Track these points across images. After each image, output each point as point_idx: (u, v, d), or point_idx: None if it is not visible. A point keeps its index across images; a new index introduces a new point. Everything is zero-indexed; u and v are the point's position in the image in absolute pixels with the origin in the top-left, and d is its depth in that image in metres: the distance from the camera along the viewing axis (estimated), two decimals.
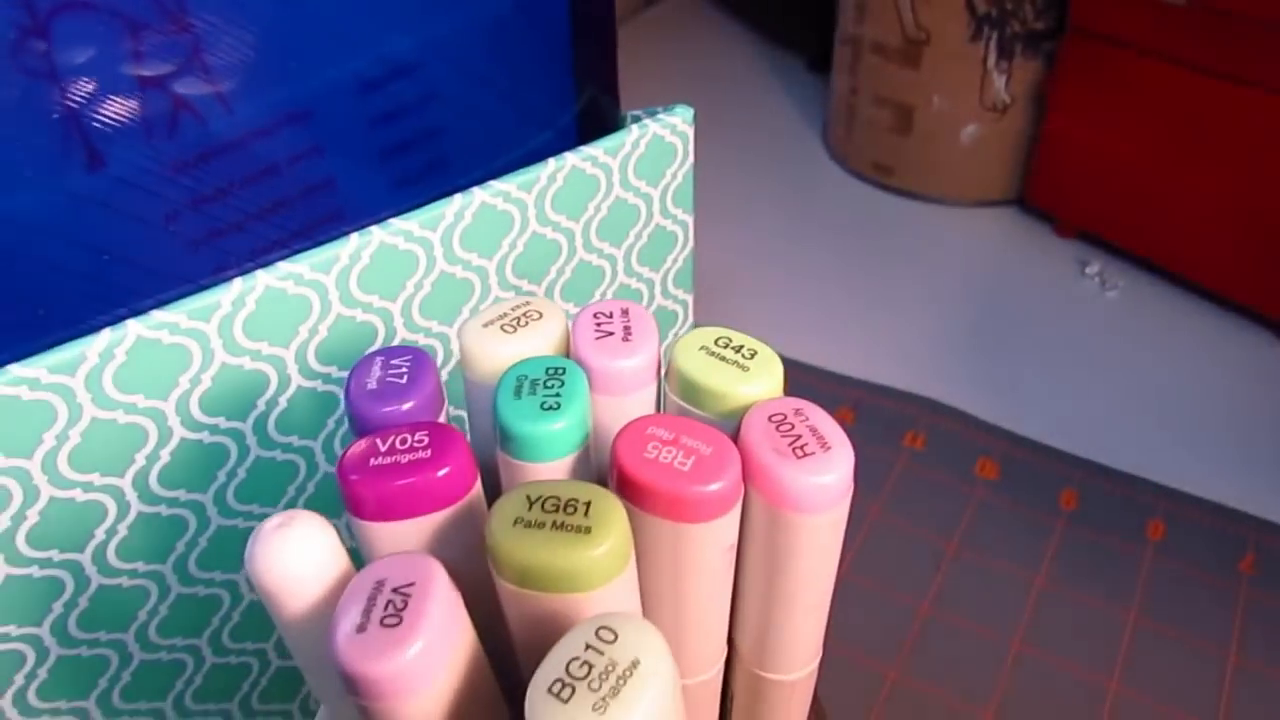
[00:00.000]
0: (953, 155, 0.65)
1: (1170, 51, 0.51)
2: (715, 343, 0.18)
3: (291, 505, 0.26)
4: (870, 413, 0.49)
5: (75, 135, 0.19)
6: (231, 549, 0.26)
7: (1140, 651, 0.38)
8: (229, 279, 0.22)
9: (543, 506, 0.15)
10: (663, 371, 0.18)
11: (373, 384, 0.17)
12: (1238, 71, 0.50)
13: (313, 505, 0.27)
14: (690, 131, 0.29)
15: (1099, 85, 0.56)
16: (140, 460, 0.23)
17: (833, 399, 0.49)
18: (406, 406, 0.17)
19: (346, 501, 0.16)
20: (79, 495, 0.22)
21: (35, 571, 0.22)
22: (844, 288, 0.58)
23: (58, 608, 0.23)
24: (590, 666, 0.13)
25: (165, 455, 0.23)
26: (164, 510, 0.24)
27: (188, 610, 0.26)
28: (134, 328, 0.21)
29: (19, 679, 0.24)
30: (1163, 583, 0.41)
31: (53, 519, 0.22)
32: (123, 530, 0.23)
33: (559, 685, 0.13)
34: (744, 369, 0.17)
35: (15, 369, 0.20)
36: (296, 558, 0.14)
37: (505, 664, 0.17)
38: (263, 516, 0.26)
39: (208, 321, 0.22)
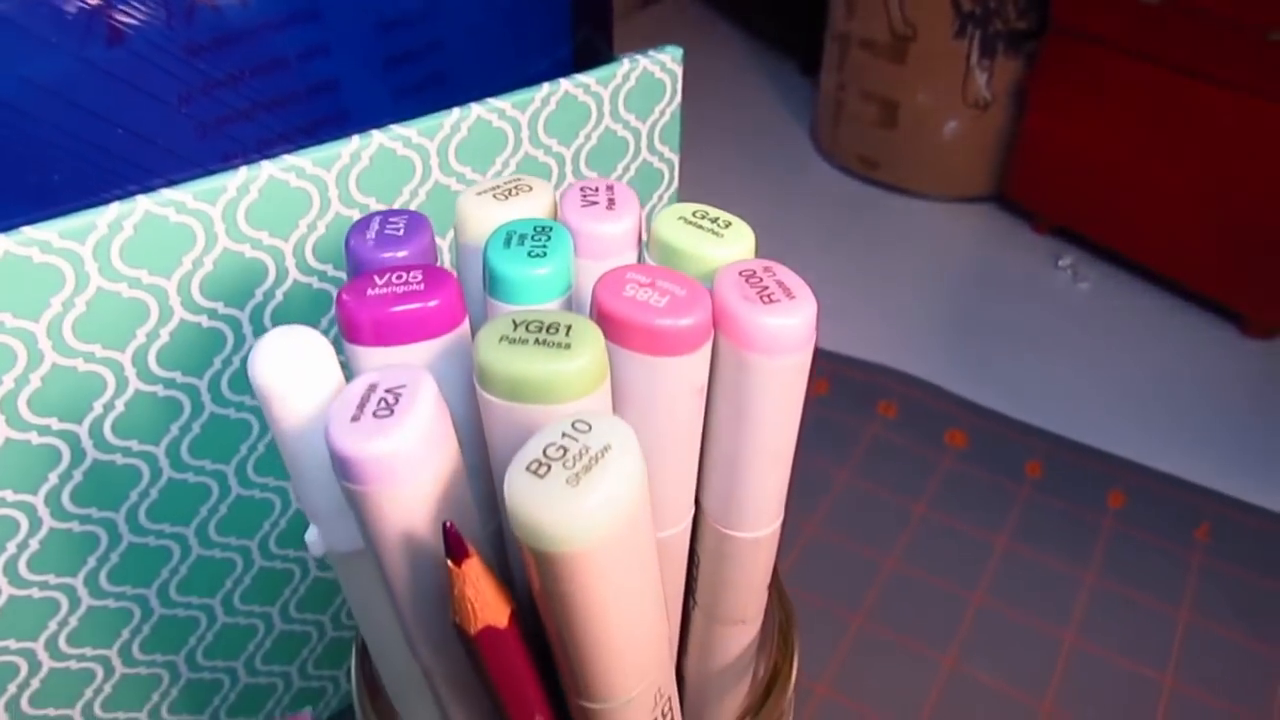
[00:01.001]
0: (935, 150, 0.67)
1: (1146, 50, 0.54)
2: (693, 215, 0.19)
3: None
4: (844, 383, 0.50)
5: (99, 9, 0.20)
6: (223, 440, 0.27)
7: (1097, 608, 0.40)
8: (235, 167, 0.24)
9: (527, 328, 0.16)
10: (643, 241, 0.20)
11: (371, 236, 0.19)
12: (1208, 70, 0.52)
13: None
14: (679, 71, 0.31)
15: (1078, 84, 0.58)
16: (141, 337, 0.24)
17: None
18: (402, 254, 0.18)
19: (343, 328, 0.17)
20: (80, 365, 0.23)
21: (34, 438, 0.23)
22: (825, 275, 0.59)
23: (53, 478, 0.24)
24: (565, 450, 0.14)
25: (165, 334, 0.24)
26: (160, 391, 0.25)
27: (177, 496, 0.27)
28: (143, 203, 0.22)
29: (11, 547, 0.24)
30: (1121, 547, 0.42)
31: (54, 386, 0.23)
32: (120, 406, 0.24)
33: (535, 464, 0.14)
34: (719, 235, 0.19)
35: (28, 231, 0.21)
36: (298, 359, 0.16)
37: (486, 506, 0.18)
38: (255, 409, 0.27)
39: (213, 204, 0.23)
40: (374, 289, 0.17)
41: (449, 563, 0.15)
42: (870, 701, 0.36)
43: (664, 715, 0.19)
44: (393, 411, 0.15)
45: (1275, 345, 0.55)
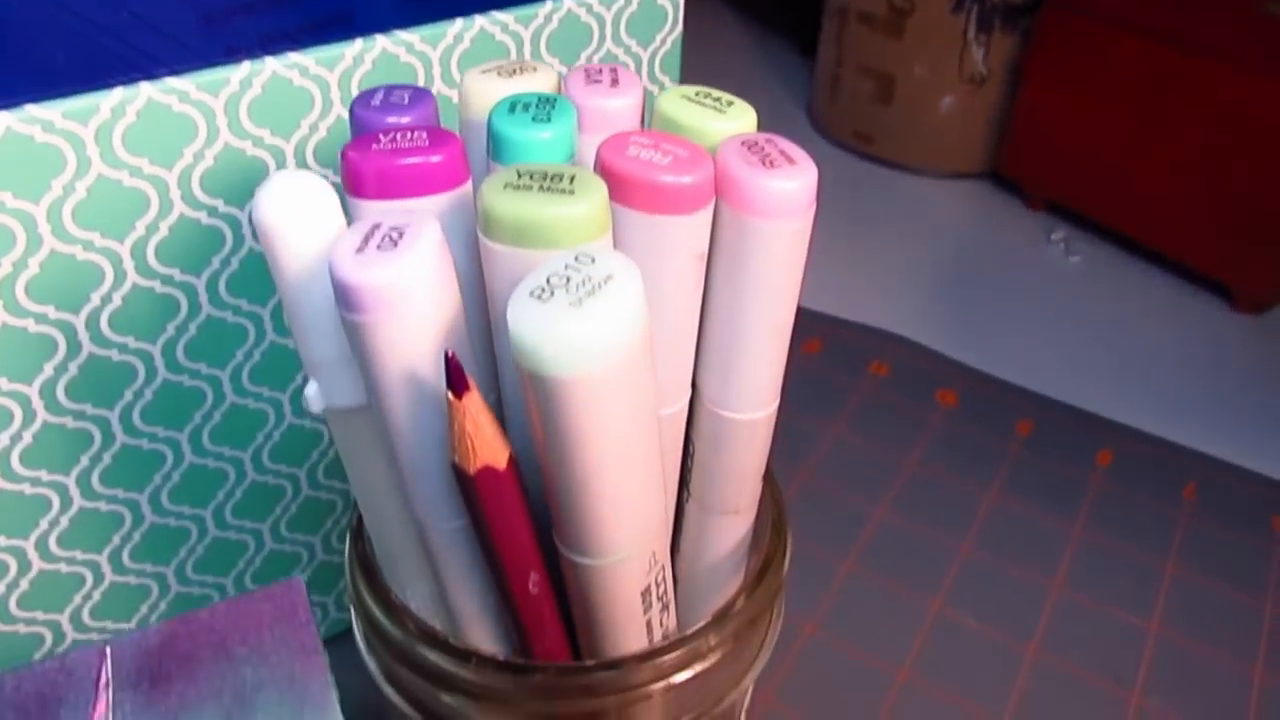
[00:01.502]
0: (931, 125, 0.67)
1: (1142, 24, 0.54)
2: (695, 94, 0.19)
3: (279, 311, 0.27)
4: (837, 343, 0.51)
5: None
6: (219, 343, 0.27)
7: (1084, 559, 0.40)
8: (239, 61, 0.24)
9: (531, 176, 0.16)
10: (645, 122, 0.20)
11: (376, 102, 0.19)
12: (1204, 44, 0.52)
13: None
14: (680, 1, 0.31)
15: (1073, 58, 0.59)
16: (140, 229, 0.24)
17: (803, 331, 0.51)
18: (406, 119, 0.18)
19: (346, 181, 0.17)
20: (79, 253, 0.23)
21: (31, 325, 0.23)
22: (819, 249, 0.59)
23: (49, 369, 0.24)
24: (568, 279, 0.14)
25: (164, 228, 0.24)
26: (158, 287, 0.25)
27: (172, 399, 0.27)
28: (146, 89, 0.22)
29: (4, 439, 0.24)
30: (1109, 503, 0.43)
31: (52, 273, 0.23)
32: (117, 300, 0.24)
33: (539, 291, 0.14)
34: (721, 112, 0.19)
35: (31, 108, 0.21)
36: (303, 199, 0.16)
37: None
38: (252, 314, 0.27)
39: (215, 96, 0.23)
40: (379, 145, 0.17)
41: (449, 395, 0.15)
42: (857, 641, 0.37)
43: (657, 585, 0.19)
44: (397, 245, 0.15)
45: (1264, 320, 0.56)
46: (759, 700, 0.34)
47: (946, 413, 0.47)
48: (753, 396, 0.19)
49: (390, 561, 0.20)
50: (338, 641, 0.34)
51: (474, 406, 0.15)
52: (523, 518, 0.16)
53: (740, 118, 0.19)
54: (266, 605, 0.19)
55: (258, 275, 0.26)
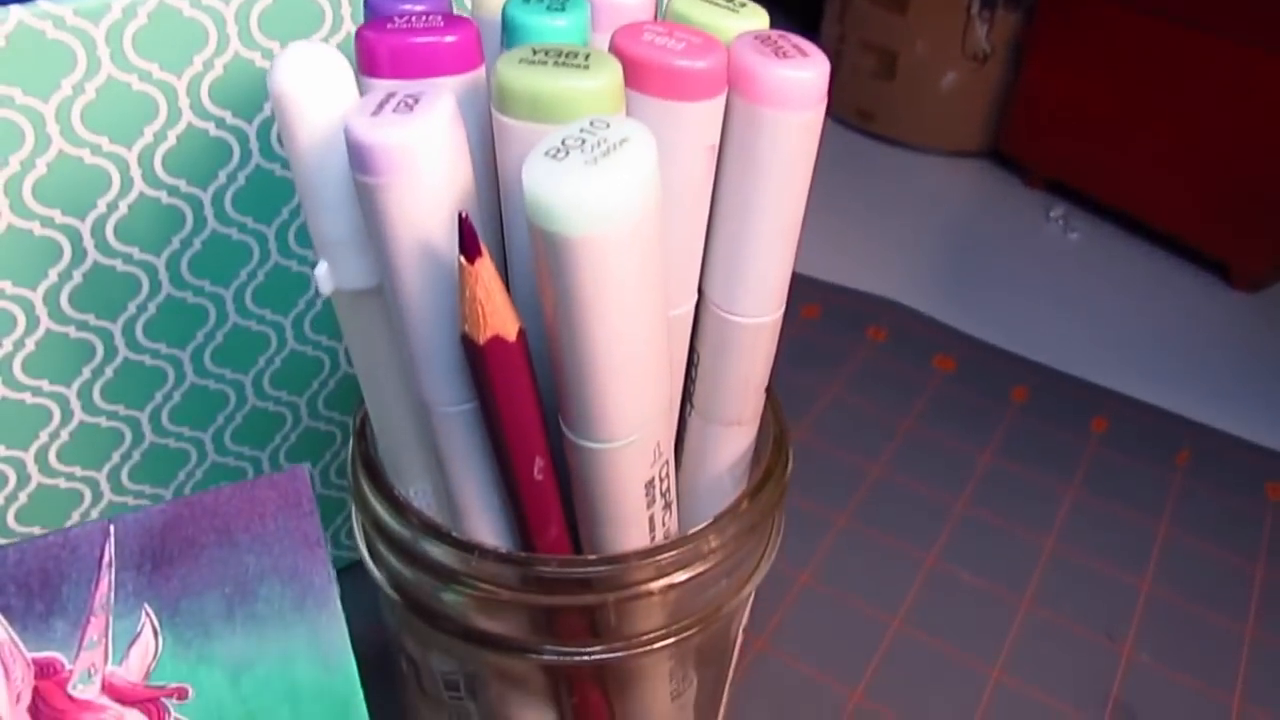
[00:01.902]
0: (932, 103, 0.67)
1: (1143, 1, 0.54)
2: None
3: (284, 231, 0.27)
4: (835, 308, 0.51)
5: None
6: (224, 261, 0.27)
7: (1078, 519, 0.40)
8: None
9: (546, 53, 0.16)
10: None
11: None
12: (1205, 20, 0.52)
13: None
14: None
15: (1075, 36, 0.59)
16: (148, 136, 0.24)
17: (802, 296, 0.51)
18: (420, 6, 0.18)
19: (360, 60, 0.17)
20: (87, 156, 0.23)
21: (36, 228, 0.23)
22: (819, 222, 0.59)
23: (53, 275, 0.24)
24: (584, 141, 0.14)
25: (172, 137, 0.24)
26: (164, 198, 0.25)
27: (175, 315, 0.27)
28: None
29: (7, 344, 0.24)
30: (1103, 467, 0.43)
31: (59, 175, 0.23)
32: (123, 208, 0.24)
33: (554, 150, 0.14)
34: (734, 11, 0.19)
35: (43, 3, 0.21)
36: (318, 69, 0.16)
37: None
38: (257, 233, 0.27)
39: (226, 4, 0.23)
40: (393, 25, 0.17)
41: (461, 260, 0.15)
42: (853, 590, 0.37)
43: (661, 479, 0.19)
44: (412, 109, 0.15)
45: (1260, 297, 0.56)
46: (753, 646, 0.34)
47: (944, 377, 0.47)
48: (759, 299, 0.20)
49: (394, 458, 0.20)
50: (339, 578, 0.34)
51: (486, 273, 0.15)
52: (530, 394, 0.16)
53: (753, 17, 0.19)
54: (271, 493, 0.19)
55: (264, 192, 0.26)
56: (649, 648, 0.20)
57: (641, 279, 0.15)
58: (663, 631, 0.20)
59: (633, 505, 0.18)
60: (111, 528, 0.18)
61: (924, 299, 0.52)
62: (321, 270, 0.17)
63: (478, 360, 0.16)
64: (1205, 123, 0.55)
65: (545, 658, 0.20)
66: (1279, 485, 0.43)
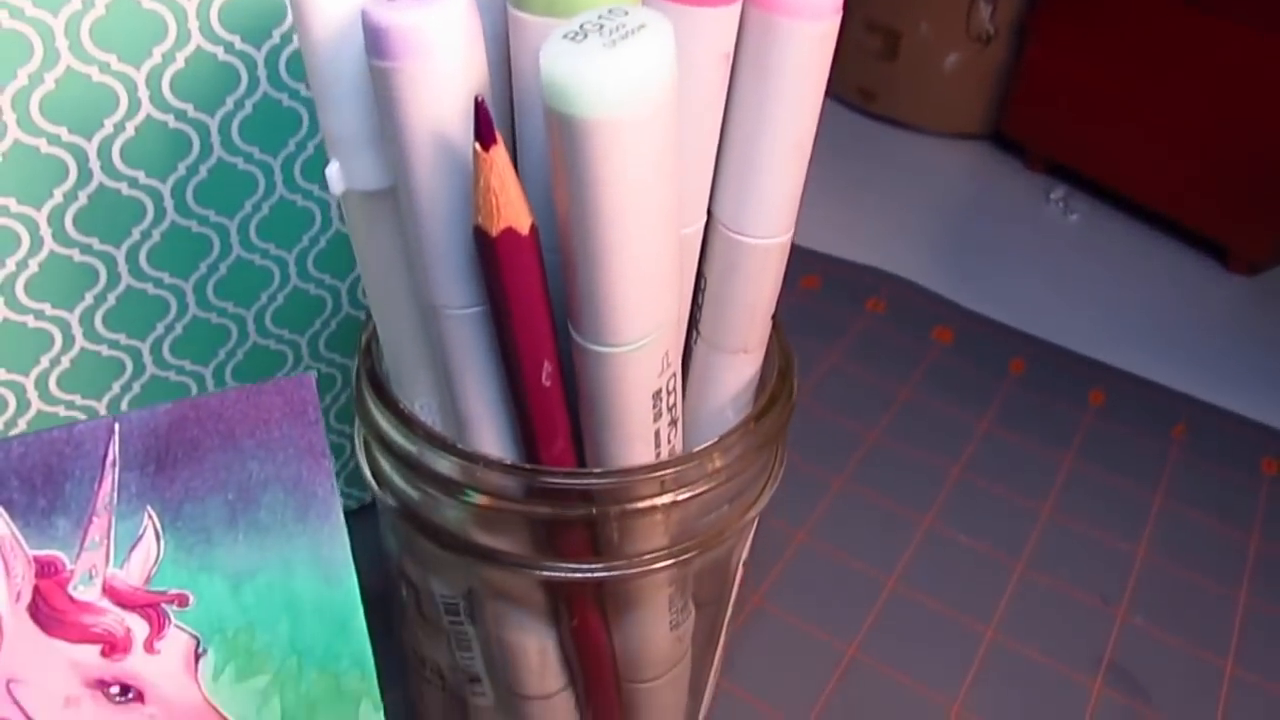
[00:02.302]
0: (935, 84, 0.67)
1: None
2: None
3: (290, 164, 0.27)
4: (835, 279, 0.51)
5: None
6: (229, 190, 0.27)
7: (1074, 488, 0.40)
8: None
9: None
10: None
11: None
12: (1209, 2, 0.52)
13: (316, 162, 0.27)
14: None
15: (1078, 18, 0.59)
16: (157, 56, 0.24)
17: (801, 267, 0.51)
18: None
19: None
20: (95, 74, 0.23)
21: (43, 145, 0.23)
22: (818, 200, 0.59)
23: (58, 195, 0.24)
24: (602, 25, 0.14)
25: (180, 59, 0.24)
26: (171, 122, 0.25)
27: (179, 244, 0.26)
28: None
29: (10, 264, 0.24)
30: (1100, 439, 0.43)
31: (67, 92, 0.23)
32: (130, 129, 0.24)
33: (572, 34, 0.14)
34: None
35: None
36: None
37: None
38: (263, 164, 0.27)
39: None
40: None
41: (476, 147, 0.15)
42: (850, 550, 0.37)
43: (668, 392, 0.19)
44: None
45: (1258, 281, 0.56)
46: (750, 601, 0.34)
47: (942, 349, 0.47)
48: (769, 219, 0.20)
49: (399, 372, 0.20)
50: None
51: (500, 161, 0.15)
52: (540, 292, 0.16)
53: None
54: (276, 399, 0.19)
55: (272, 122, 0.26)
56: (649, 568, 0.20)
57: (658, 170, 0.15)
58: (664, 552, 0.20)
59: (639, 417, 0.18)
60: (116, 425, 0.18)
61: (923, 274, 0.52)
62: (333, 170, 0.17)
63: (489, 254, 0.16)
64: (1206, 106, 0.55)
65: (545, 574, 0.20)
66: (1275, 460, 0.43)
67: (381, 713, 0.22)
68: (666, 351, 0.18)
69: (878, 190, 0.61)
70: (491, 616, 0.22)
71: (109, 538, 0.18)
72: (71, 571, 0.18)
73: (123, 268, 0.26)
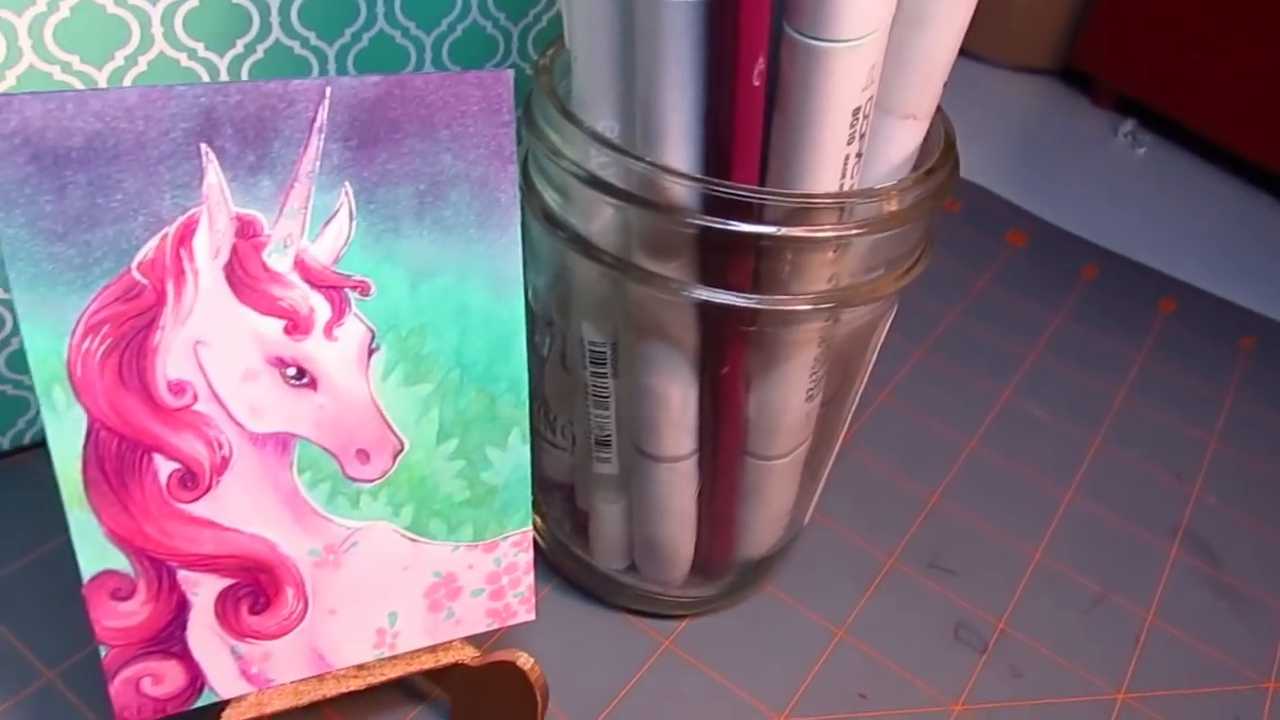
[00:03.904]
0: (1009, 17, 0.67)
1: None
2: None
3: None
4: None
5: None
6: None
7: (1146, 381, 0.41)
8: None
9: None
10: None
11: None
12: None
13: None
14: None
15: None
16: None
17: None
18: None
19: None
20: None
21: None
22: None
23: None
24: None
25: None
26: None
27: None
28: None
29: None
30: (1170, 341, 0.43)
31: None
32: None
33: None
34: None
35: None
36: None
37: None
38: None
39: None
40: None
41: None
42: (930, 414, 0.37)
43: (865, 116, 0.19)
44: None
45: None
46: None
47: (1016, 250, 0.48)
48: None
49: (586, 93, 0.21)
50: None
51: None
52: None
53: None
54: (475, 91, 0.19)
55: None
56: (810, 306, 0.21)
57: None
58: (826, 291, 0.21)
59: (837, 134, 0.19)
60: (328, 89, 0.18)
61: (996, 184, 0.53)
62: None
63: None
64: None
65: (715, 298, 0.20)
66: None
67: (529, 446, 0.22)
68: (873, 64, 0.18)
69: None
70: (639, 362, 0.22)
71: (307, 208, 0.19)
72: (268, 237, 0.18)
73: None
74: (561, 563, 0.29)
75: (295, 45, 0.27)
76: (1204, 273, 0.49)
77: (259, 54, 0.26)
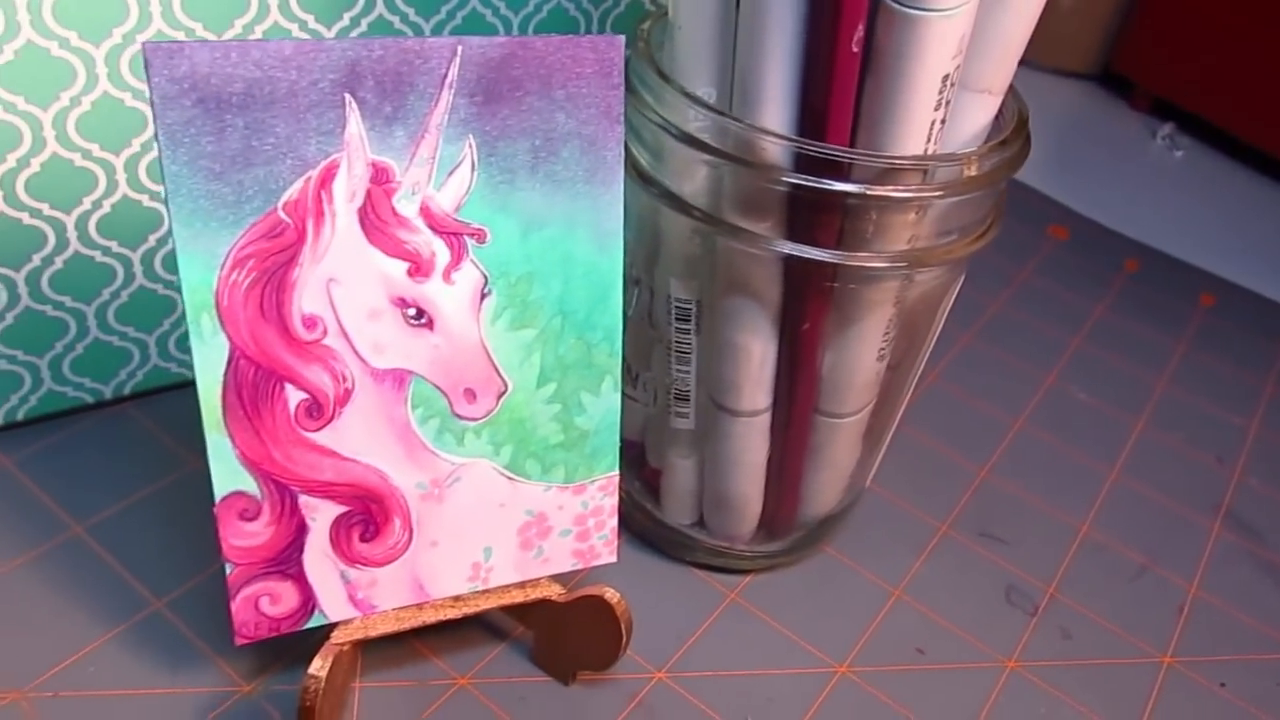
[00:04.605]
0: (1051, 20, 0.68)
1: None
2: None
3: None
4: None
5: None
6: None
7: (1188, 369, 0.42)
8: None
9: None
10: None
11: None
12: None
13: None
14: None
15: None
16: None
17: None
18: None
19: None
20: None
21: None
22: None
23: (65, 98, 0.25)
24: None
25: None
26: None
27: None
28: None
29: (11, 160, 0.26)
30: (1210, 333, 0.44)
31: None
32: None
33: None
34: None
35: None
36: None
37: None
38: None
39: None
40: None
41: None
42: (978, 395, 0.38)
43: (951, 84, 0.20)
44: None
45: None
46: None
47: (1058, 243, 0.49)
48: None
49: (687, 59, 0.22)
50: None
51: None
52: None
53: None
54: (590, 55, 0.20)
55: None
56: (892, 264, 0.22)
57: None
58: (905, 251, 0.22)
59: (926, 99, 0.20)
60: (459, 48, 0.20)
61: (1036, 181, 0.54)
62: None
63: None
64: None
65: (805, 252, 0.22)
66: None
67: (620, 393, 0.24)
68: (963, 34, 0.20)
69: None
70: (723, 317, 0.24)
71: (434, 158, 0.20)
72: (399, 183, 0.20)
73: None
74: (631, 518, 0.30)
75: (396, 20, 0.28)
76: (1242, 270, 0.50)
77: (363, 26, 0.28)
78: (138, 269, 0.29)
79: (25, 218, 0.26)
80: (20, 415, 0.29)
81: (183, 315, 0.29)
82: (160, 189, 0.28)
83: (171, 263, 0.29)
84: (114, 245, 0.28)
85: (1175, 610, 0.31)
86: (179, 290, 0.29)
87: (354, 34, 0.28)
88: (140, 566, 0.27)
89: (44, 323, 0.28)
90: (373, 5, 0.28)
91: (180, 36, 0.26)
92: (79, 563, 0.27)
